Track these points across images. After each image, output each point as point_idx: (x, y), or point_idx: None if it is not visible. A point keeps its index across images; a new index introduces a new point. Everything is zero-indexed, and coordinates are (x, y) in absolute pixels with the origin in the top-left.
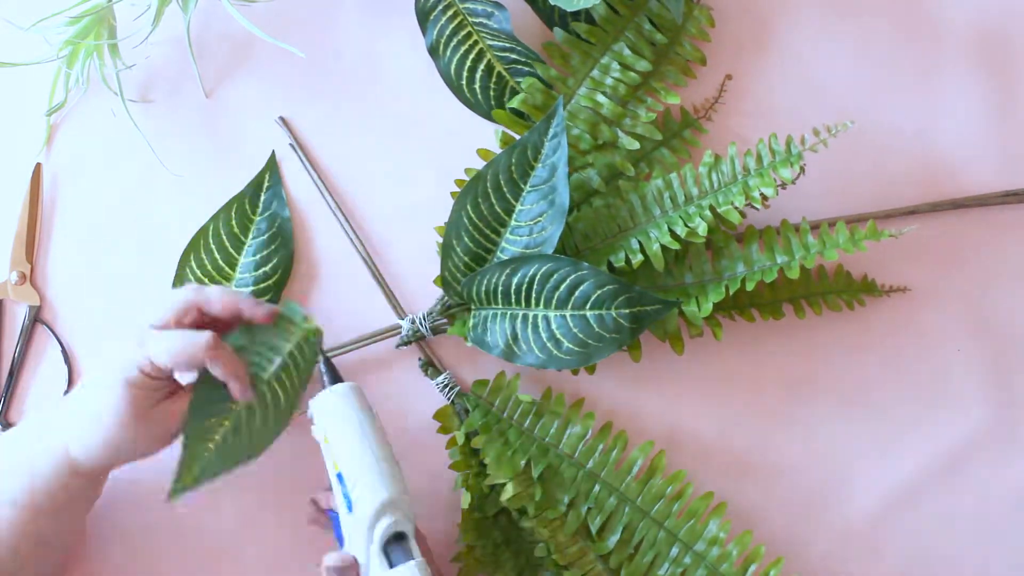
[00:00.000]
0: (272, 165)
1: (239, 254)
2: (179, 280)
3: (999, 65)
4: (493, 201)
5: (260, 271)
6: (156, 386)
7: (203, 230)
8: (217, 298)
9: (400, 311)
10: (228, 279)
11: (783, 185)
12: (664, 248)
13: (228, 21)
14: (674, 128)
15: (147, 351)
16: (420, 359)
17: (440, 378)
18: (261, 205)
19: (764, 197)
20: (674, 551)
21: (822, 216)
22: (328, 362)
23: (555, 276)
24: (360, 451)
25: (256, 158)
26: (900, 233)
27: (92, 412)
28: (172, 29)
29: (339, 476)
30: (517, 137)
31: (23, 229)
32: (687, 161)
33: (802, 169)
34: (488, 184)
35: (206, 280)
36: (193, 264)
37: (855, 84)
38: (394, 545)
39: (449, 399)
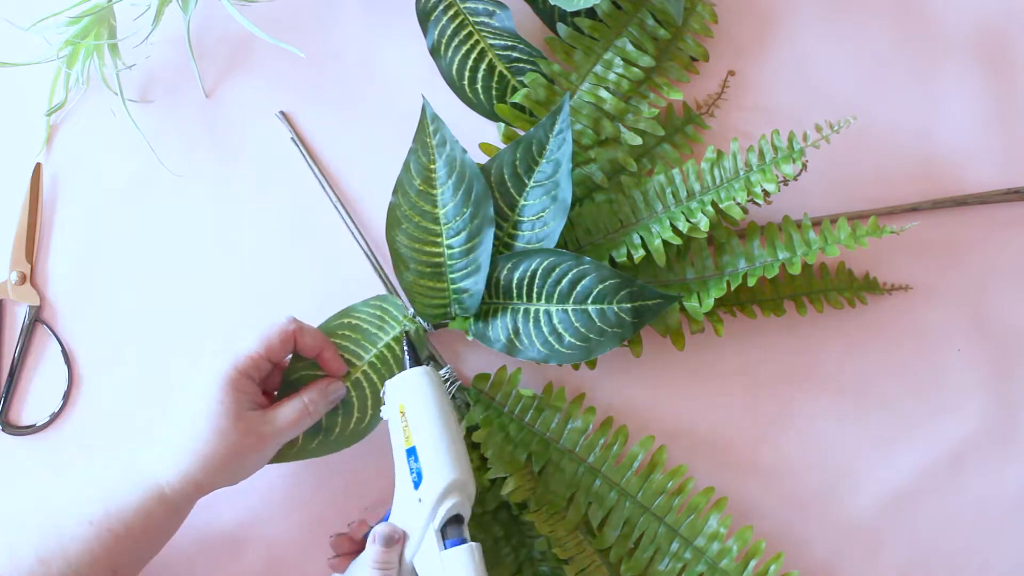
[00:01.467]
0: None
1: None
2: None
3: (1002, 63)
4: (497, 196)
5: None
6: (251, 388)
7: None
8: (311, 332)
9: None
10: None
11: (785, 181)
12: (666, 243)
13: (228, 21)
14: (676, 124)
15: (236, 348)
16: None
17: (441, 372)
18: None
19: (766, 193)
20: (674, 546)
21: (824, 212)
22: (411, 344)
23: (557, 270)
24: (439, 428)
25: (256, 158)
26: (902, 230)
27: (188, 417)
28: (172, 29)
29: (411, 451)
30: (519, 132)
31: (23, 229)
32: (689, 157)
33: (804, 165)
34: (492, 179)
35: None
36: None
37: (857, 81)
38: (451, 526)
39: (450, 393)
